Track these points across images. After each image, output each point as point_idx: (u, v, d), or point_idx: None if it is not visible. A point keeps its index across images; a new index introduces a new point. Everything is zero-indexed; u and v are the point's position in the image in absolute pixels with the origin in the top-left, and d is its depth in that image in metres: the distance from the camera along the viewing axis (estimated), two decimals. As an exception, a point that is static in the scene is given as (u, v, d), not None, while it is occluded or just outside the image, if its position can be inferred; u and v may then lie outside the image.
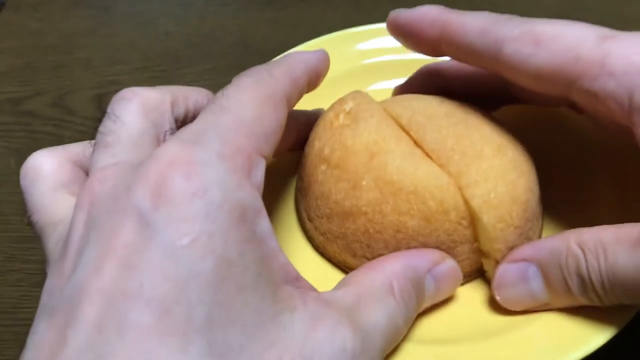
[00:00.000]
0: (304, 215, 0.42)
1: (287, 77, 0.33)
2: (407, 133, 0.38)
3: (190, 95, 0.34)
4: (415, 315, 0.33)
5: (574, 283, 0.32)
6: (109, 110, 0.33)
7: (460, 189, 0.36)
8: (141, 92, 0.33)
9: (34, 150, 0.34)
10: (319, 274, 0.40)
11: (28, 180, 0.34)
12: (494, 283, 0.35)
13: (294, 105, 0.34)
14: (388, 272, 0.32)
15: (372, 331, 0.28)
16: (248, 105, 0.29)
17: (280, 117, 0.31)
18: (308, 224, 0.42)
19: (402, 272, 0.32)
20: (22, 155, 0.57)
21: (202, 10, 0.72)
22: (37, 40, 0.69)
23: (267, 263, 0.26)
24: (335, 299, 0.29)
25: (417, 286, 0.33)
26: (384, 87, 0.52)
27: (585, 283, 0.32)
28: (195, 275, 0.23)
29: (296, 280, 0.28)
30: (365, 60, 0.54)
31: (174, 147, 0.26)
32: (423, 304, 0.34)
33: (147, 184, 0.25)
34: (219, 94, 0.29)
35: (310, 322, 0.26)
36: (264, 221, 0.26)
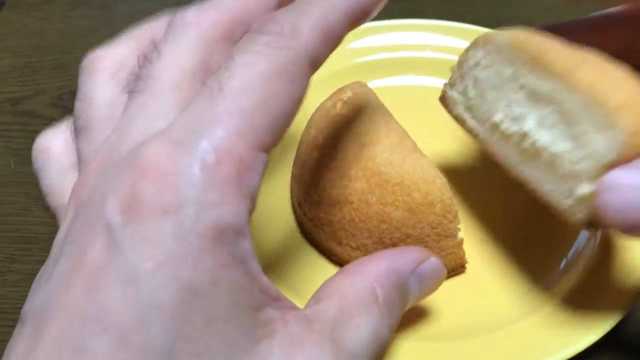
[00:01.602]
0: (295, 201, 0.43)
1: (317, 30, 0.27)
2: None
3: (160, 31, 0.31)
4: (399, 319, 0.32)
5: None
6: (78, 87, 0.32)
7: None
8: (102, 54, 0.32)
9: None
10: (305, 260, 0.41)
11: (39, 163, 0.33)
12: (603, 189, 0.30)
13: (323, 62, 0.29)
14: (371, 277, 0.30)
15: (356, 350, 0.27)
16: (254, 85, 0.25)
17: (297, 90, 0.27)
18: (298, 210, 0.42)
19: (385, 276, 0.30)
20: (22, 155, 0.57)
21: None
22: (37, 39, 0.69)
23: (245, 289, 0.24)
24: (317, 315, 0.27)
25: (401, 290, 0.31)
26: (375, 85, 0.52)
27: None
28: (157, 305, 0.21)
29: (276, 301, 0.26)
30: (357, 59, 0.54)
31: (156, 149, 0.23)
32: (407, 306, 0.33)
33: (119, 195, 0.23)
34: (224, 65, 0.26)
35: (289, 349, 0.24)
36: (245, 242, 0.24)
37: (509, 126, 0.36)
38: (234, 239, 0.23)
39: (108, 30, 0.73)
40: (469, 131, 0.38)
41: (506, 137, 0.36)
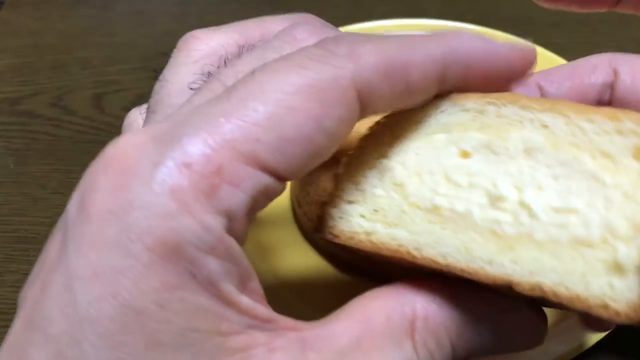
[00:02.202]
0: (295, 202, 0.43)
1: (381, 57, 0.24)
2: None
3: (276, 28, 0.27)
4: None
5: None
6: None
7: None
8: (199, 35, 0.30)
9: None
10: (306, 262, 0.41)
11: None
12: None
13: (380, 101, 0.26)
14: (415, 303, 0.24)
15: None
16: (272, 94, 0.22)
17: (330, 117, 0.23)
18: (298, 210, 0.42)
19: (435, 307, 0.24)
20: (21, 155, 0.57)
21: (202, 8, 0.72)
22: (36, 39, 0.69)
23: (208, 313, 0.20)
24: (322, 341, 0.22)
25: (457, 336, 0.24)
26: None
27: None
28: (91, 320, 0.19)
29: (267, 322, 0.22)
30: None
31: (132, 140, 0.21)
32: (470, 355, 0.25)
33: (82, 185, 0.21)
34: (250, 72, 0.23)
35: None
36: (214, 262, 0.20)
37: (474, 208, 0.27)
38: (198, 258, 0.20)
39: (107, 29, 0.73)
40: (393, 252, 0.29)
41: (479, 226, 0.27)
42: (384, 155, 0.30)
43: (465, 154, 0.29)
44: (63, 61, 0.66)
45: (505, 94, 0.30)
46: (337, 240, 0.30)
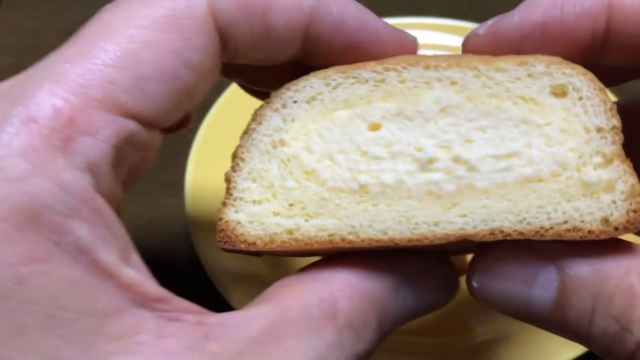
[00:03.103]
0: None
1: None
2: None
3: None
4: (377, 346, 0.24)
5: (601, 323, 0.24)
6: None
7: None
8: None
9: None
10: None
11: None
12: (482, 266, 0.27)
13: (252, 51, 0.24)
14: (335, 285, 0.23)
15: None
16: (123, 30, 0.19)
17: (190, 48, 0.21)
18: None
19: (356, 286, 0.23)
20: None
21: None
22: (34, 39, 0.68)
23: (83, 287, 0.17)
24: (232, 327, 0.20)
25: (380, 307, 0.23)
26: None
27: (623, 334, 0.23)
28: None
29: (158, 302, 0.19)
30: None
31: None
32: (394, 327, 0.25)
33: None
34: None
35: None
36: (81, 227, 0.17)
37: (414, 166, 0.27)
38: (58, 223, 0.17)
39: (106, 29, 0.72)
40: (304, 244, 0.27)
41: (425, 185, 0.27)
42: (282, 142, 0.29)
43: (375, 126, 0.28)
44: (61, 61, 0.66)
45: (404, 57, 0.29)
46: (254, 249, 0.27)
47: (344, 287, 0.23)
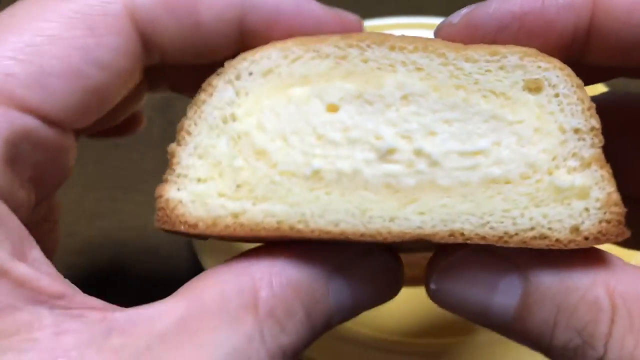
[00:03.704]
0: None
1: None
2: None
3: None
4: (308, 342, 0.22)
5: (563, 336, 0.23)
6: None
7: None
8: None
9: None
10: None
11: None
12: (441, 267, 0.25)
13: (182, 48, 0.23)
14: (258, 273, 0.21)
15: None
16: (33, 23, 0.19)
17: (99, 44, 0.20)
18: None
19: (281, 274, 0.21)
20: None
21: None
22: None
23: None
24: (139, 322, 0.19)
25: (309, 297, 0.22)
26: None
27: (585, 348, 0.22)
28: None
29: (57, 299, 0.18)
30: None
31: None
32: (323, 320, 0.23)
33: None
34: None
35: None
36: None
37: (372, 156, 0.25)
38: None
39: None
40: (249, 229, 0.25)
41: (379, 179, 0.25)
42: (233, 117, 0.26)
43: (333, 108, 0.26)
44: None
45: (369, 34, 0.27)
46: (195, 231, 0.25)
47: (265, 275, 0.21)
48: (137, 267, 0.51)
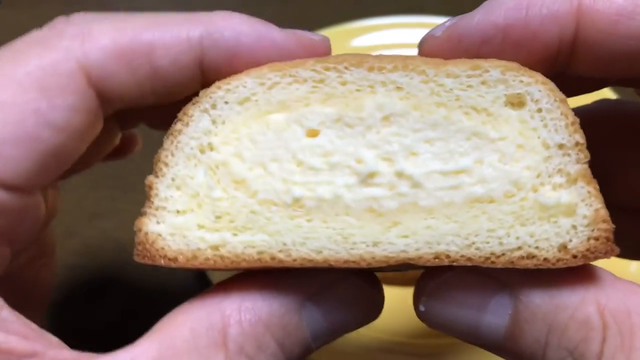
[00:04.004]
0: None
1: (114, 37, 0.21)
2: None
3: None
4: None
5: (555, 355, 0.23)
6: None
7: None
8: None
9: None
10: None
11: None
12: (430, 289, 0.25)
13: (141, 96, 0.23)
14: (226, 309, 0.21)
15: None
16: None
17: (53, 110, 0.20)
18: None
19: (250, 310, 0.21)
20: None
21: (200, 7, 0.71)
22: (33, 38, 0.68)
23: None
24: None
25: (281, 330, 0.22)
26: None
27: None
28: None
29: (28, 357, 0.19)
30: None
31: None
32: (306, 349, 0.23)
33: None
34: None
35: None
36: None
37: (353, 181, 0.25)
38: None
39: (105, 28, 0.72)
40: (230, 262, 0.25)
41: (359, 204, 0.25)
42: (210, 147, 0.26)
43: (313, 133, 0.26)
44: (60, 60, 0.65)
45: (346, 56, 0.27)
46: (175, 265, 0.25)
47: (235, 311, 0.21)
48: (136, 267, 0.51)
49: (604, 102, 0.33)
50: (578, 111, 0.34)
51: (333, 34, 0.54)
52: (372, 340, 0.39)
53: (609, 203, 0.26)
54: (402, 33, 0.56)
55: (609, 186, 0.29)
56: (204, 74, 0.25)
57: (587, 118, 0.31)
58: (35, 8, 0.72)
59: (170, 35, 0.23)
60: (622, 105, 0.33)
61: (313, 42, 0.27)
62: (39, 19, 0.83)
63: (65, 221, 0.52)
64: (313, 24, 0.64)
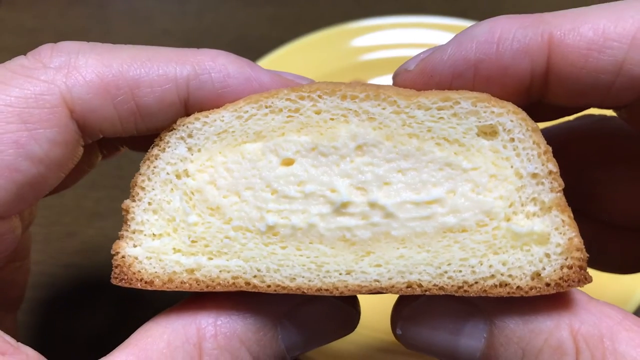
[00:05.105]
0: None
1: (99, 71, 0.22)
2: None
3: None
4: None
5: None
6: None
7: None
8: None
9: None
10: None
11: None
12: (406, 313, 0.26)
13: (124, 130, 0.23)
14: (200, 323, 0.22)
15: None
16: None
17: (33, 142, 0.20)
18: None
19: (225, 324, 0.22)
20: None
21: (200, 7, 0.71)
22: (33, 38, 0.68)
23: None
24: None
25: (257, 344, 0.22)
26: (376, 83, 0.52)
27: None
28: None
29: None
30: (358, 57, 0.54)
31: None
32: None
33: None
34: None
35: None
36: None
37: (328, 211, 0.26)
38: None
39: (104, 28, 0.72)
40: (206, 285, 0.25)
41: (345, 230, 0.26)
42: (186, 173, 0.27)
43: (288, 162, 0.27)
44: (60, 60, 0.65)
45: (319, 84, 0.27)
46: (152, 288, 0.26)
47: (211, 325, 0.22)
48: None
49: (587, 117, 0.33)
50: (561, 128, 0.34)
51: (333, 34, 0.54)
52: (372, 340, 0.39)
53: (594, 219, 0.26)
54: (402, 33, 0.56)
55: (593, 203, 0.29)
56: (187, 110, 0.25)
57: (570, 134, 0.31)
58: (36, 8, 0.72)
59: (157, 73, 0.24)
60: (606, 122, 0.33)
61: (294, 83, 0.28)
62: (39, 19, 0.84)
63: (65, 221, 0.52)
64: (313, 24, 0.64)
